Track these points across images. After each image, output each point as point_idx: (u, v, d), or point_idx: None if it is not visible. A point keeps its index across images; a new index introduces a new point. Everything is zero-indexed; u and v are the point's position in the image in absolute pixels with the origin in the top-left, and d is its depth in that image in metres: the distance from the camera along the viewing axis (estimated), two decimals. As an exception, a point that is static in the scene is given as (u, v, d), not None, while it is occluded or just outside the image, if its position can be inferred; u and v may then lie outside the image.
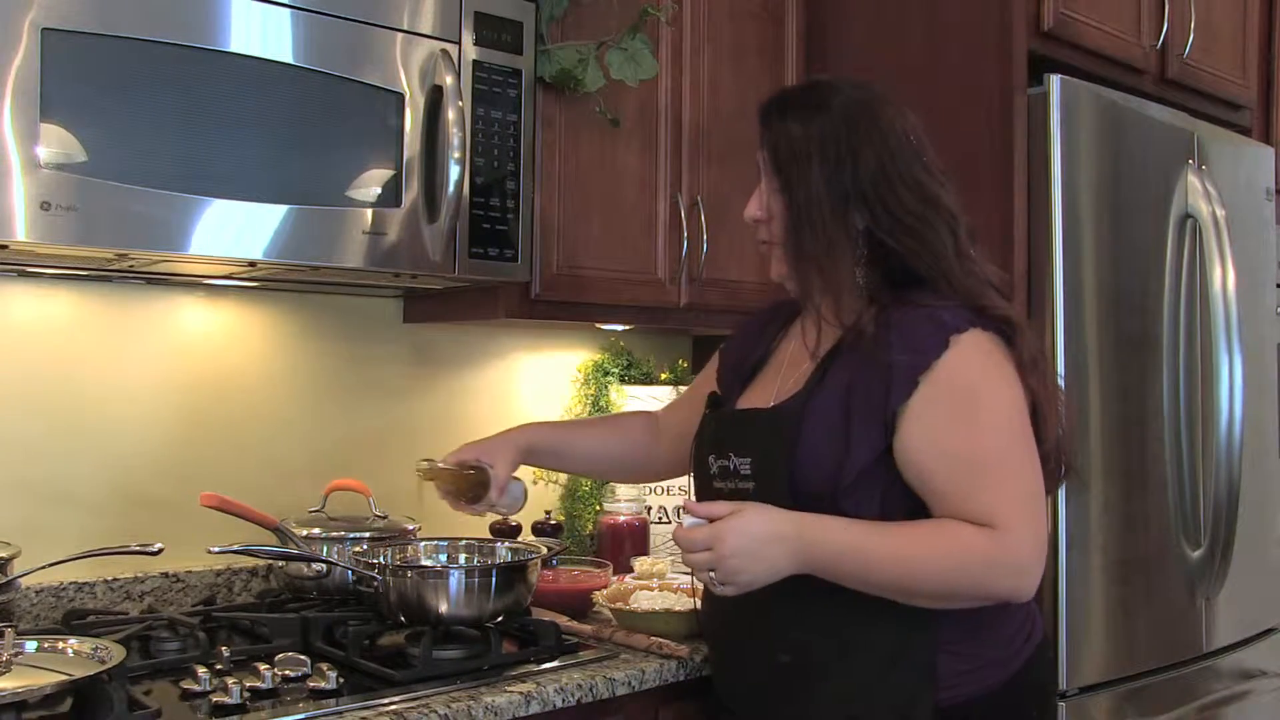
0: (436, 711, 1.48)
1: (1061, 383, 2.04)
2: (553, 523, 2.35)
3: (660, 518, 2.45)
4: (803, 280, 1.55)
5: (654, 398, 2.51)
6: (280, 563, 1.99)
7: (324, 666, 1.58)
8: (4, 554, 1.69)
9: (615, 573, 2.15)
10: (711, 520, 1.42)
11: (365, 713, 1.47)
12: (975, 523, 1.41)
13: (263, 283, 2.04)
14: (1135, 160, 2.27)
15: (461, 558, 1.93)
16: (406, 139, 1.80)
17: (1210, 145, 2.46)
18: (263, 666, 1.56)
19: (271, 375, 2.16)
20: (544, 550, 1.90)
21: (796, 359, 1.59)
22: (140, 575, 1.98)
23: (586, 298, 2.14)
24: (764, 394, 1.62)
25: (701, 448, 1.66)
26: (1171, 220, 2.34)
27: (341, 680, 1.56)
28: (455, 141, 1.77)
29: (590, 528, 2.46)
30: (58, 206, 1.48)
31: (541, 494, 2.43)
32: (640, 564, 2.19)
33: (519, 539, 2.16)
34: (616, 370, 2.56)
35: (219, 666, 1.59)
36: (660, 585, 2.03)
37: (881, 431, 1.45)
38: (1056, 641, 2.04)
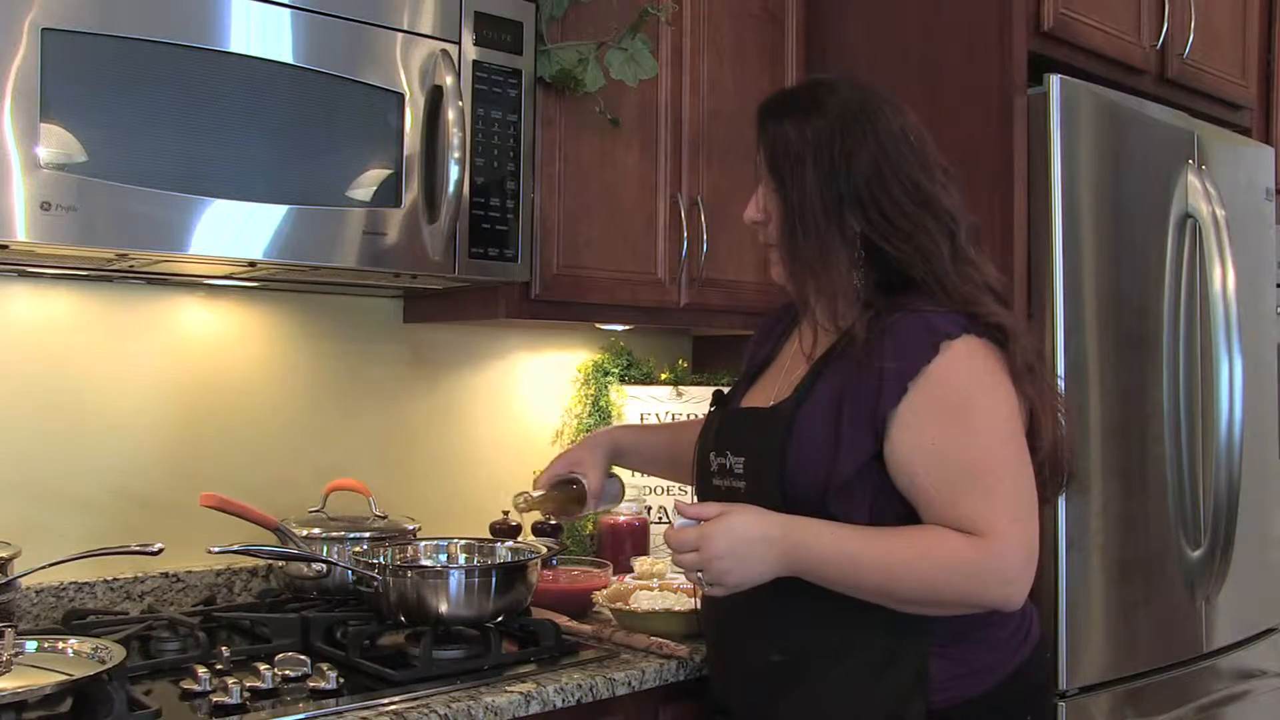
0: (436, 711, 1.48)
1: (1061, 384, 2.05)
2: (553, 523, 2.35)
3: (660, 518, 2.45)
4: (798, 283, 1.55)
5: (654, 398, 2.51)
6: (280, 563, 1.99)
7: (324, 666, 1.58)
8: (4, 554, 1.69)
9: (615, 573, 2.15)
10: (701, 522, 1.42)
11: (365, 713, 1.47)
12: (963, 530, 1.40)
13: (263, 283, 2.05)
14: (1135, 160, 2.27)
15: (461, 558, 1.93)
16: (406, 139, 1.80)
17: (1210, 145, 2.46)
18: (263, 666, 1.56)
19: (271, 375, 2.16)
20: (544, 550, 1.90)
21: (796, 361, 1.59)
22: (140, 575, 1.98)
23: (586, 298, 2.14)
24: (765, 394, 1.62)
25: (704, 445, 1.67)
26: (1171, 220, 2.34)
27: (341, 680, 1.56)
28: (455, 141, 1.77)
29: (590, 528, 2.46)
30: (58, 206, 1.48)
31: (541, 494, 2.44)
32: (640, 564, 2.19)
33: (519, 539, 2.16)
34: (616, 370, 2.56)
35: (219, 666, 1.59)
36: (660, 585, 2.03)
37: (871, 437, 1.45)
38: (1056, 641, 2.04)
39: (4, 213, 1.45)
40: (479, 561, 1.91)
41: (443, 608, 1.71)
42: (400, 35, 1.79)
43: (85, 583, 1.92)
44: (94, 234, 1.52)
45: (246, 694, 1.49)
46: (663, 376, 2.61)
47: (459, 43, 1.86)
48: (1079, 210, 2.12)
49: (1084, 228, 2.13)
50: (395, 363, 2.32)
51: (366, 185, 1.76)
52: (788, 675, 1.52)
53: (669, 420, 2.49)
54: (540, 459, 2.11)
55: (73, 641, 1.50)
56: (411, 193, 1.80)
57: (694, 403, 2.51)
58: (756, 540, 1.42)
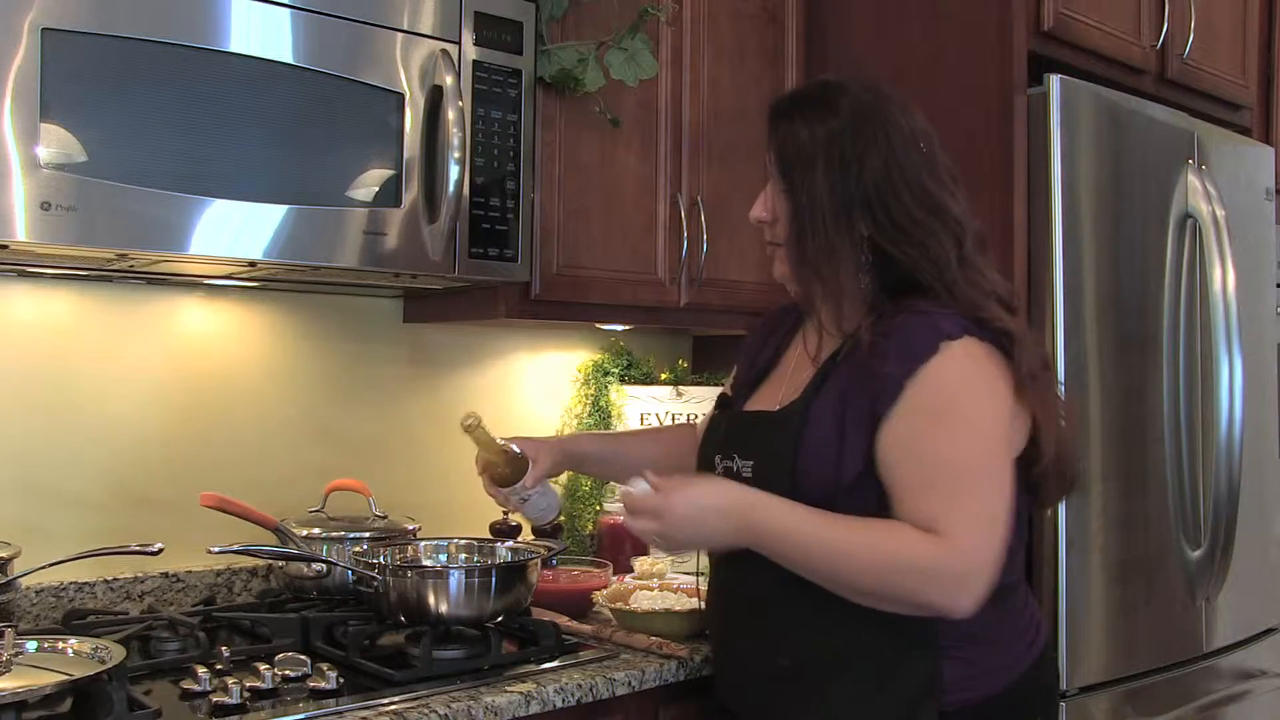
0: (436, 711, 1.48)
1: (1061, 386, 2.05)
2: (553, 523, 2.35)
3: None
4: (804, 284, 1.54)
5: (654, 398, 2.51)
6: (280, 563, 1.99)
7: (324, 666, 1.58)
8: (4, 554, 1.69)
9: (615, 573, 2.15)
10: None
11: (365, 713, 1.47)
12: (925, 528, 1.38)
13: (263, 283, 2.05)
14: (1135, 160, 2.27)
15: (461, 558, 1.93)
16: (406, 139, 1.79)
17: (1210, 145, 2.46)
18: (263, 666, 1.56)
19: (271, 375, 2.16)
20: (544, 550, 1.90)
21: (802, 363, 1.59)
22: (140, 575, 1.98)
23: (586, 298, 2.14)
24: (771, 398, 1.62)
25: (708, 447, 1.67)
26: (1171, 220, 2.34)
27: (341, 680, 1.56)
28: (455, 141, 1.77)
29: (590, 528, 2.46)
30: (58, 206, 1.48)
31: (541, 494, 2.44)
32: (640, 564, 2.19)
33: (519, 539, 2.16)
34: (616, 370, 2.56)
35: (219, 666, 1.59)
36: (660, 585, 2.03)
37: (871, 438, 1.44)
38: (1056, 642, 2.04)
39: (4, 213, 1.45)
40: (479, 561, 1.91)
41: (443, 608, 1.71)
42: (400, 35, 1.79)
43: (85, 583, 1.92)
44: (94, 234, 1.52)
45: (246, 694, 1.49)
46: (663, 376, 2.61)
47: (459, 43, 1.86)
48: (1079, 210, 2.12)
49: (1084, 228, 2.13)
50: (395, 363, 2.32)
51: (366, 185, 1.76)
52: (794, 680, 1.51)
53: (669, 421, 2.49)
54: (540, 459, 2.11)
55: (73, 641, 1.50)
56: (411, 193, 1.80)
57: (694, 403, 2.51)
58: (715, 510, 1.44)
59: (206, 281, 2.03)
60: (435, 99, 1.81)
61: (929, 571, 1.38)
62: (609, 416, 2.52)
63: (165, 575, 2.01)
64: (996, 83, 2.14)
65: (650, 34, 2.15)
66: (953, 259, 1.47)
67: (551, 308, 2.11)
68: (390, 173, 1.78)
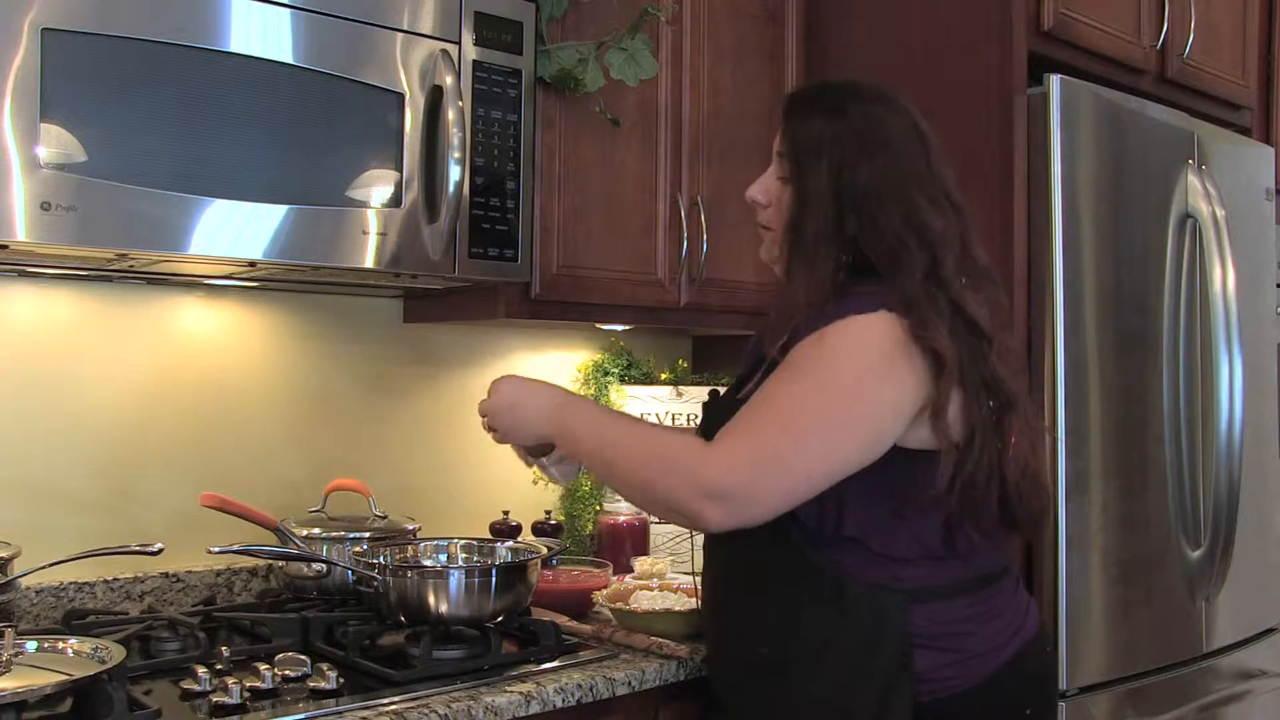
0: (436, 711, 1.48)
1: (1061, 388, 2.05)
2: (553, 523, 2.35)
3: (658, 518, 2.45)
4: (791, 272, 1.56)
5: (654, 398, 2.51)
6: (280, 563, 1.99)
7: (324, 666, 1.58)
8: (4, 554, 1.69)
9: (615, 573, 2.15)
10: None
11: (365, 713, 1.47)
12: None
13: (263, 283, 2.04)
14: (1135, 160, 2.27)
15: (461, 558, 1.93)
16: (407, 139, 1.79)
17: (1210, 145, 2.46)
18: (263, 666, 1.56)
19: (272, 375, 2.16)
20: (544, 550, 1.90)
21: None
22: (140, 575, 1.98)
23: (586, 298, 2.14)
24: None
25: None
26: (1171, 220, 2.34)
27: (341, 680, 1.56)
28: (455, 141, 1.77)
29: (590, 528, 2.46)
30: (58, 206, 1.48)
31: (542, 494, 2.44)
32: (640, 564, 2.19)
33: (519, 539, 2.16)
34: (616, 370, 2.56)
35: (219, 666, 1.59)
36: (660, 585, 2.03)
37: None
38: (1056, 642, 2.04)
39: (4, 213, 1.45)
40: (479, 561, 1.91)
41: (443, 608, 1.71)
42: (400, 35, 1.79)
43: (85, 583, 1.92)
44: (94, 234, 1.52)
45: (246, 694, 1.49)
46: (663, 376, 2.61)
47: (459, 43, 1.86)
48: (1079, 210, 2.12)
49: (1084, 227, 2.13)
50: (395, 363, 2.32)
51: (366, 185, 1.76)
52: (773, 668, 1.53)
53: (668, 421, 2.49)
54: (540, 459, 2.11)
55: (73, 641, 1.50)
56: (412, 193, 1.80)
57: (694, 403, 2.51)
58: (535, 391, 1.63)
59: (206, 281, 2.03)
60: (435, 99, 1.81)
61: (681, 471, 1.41)
62: (609, 416, 2.51)
63: (165, 575, 2.01)
64: (996, 83, 2.14)
65: (650, 34, 2.15)
66: (919, 274, 1.47)
67: (551, 308, 2.11)
68: (390, 173, 1.78)
